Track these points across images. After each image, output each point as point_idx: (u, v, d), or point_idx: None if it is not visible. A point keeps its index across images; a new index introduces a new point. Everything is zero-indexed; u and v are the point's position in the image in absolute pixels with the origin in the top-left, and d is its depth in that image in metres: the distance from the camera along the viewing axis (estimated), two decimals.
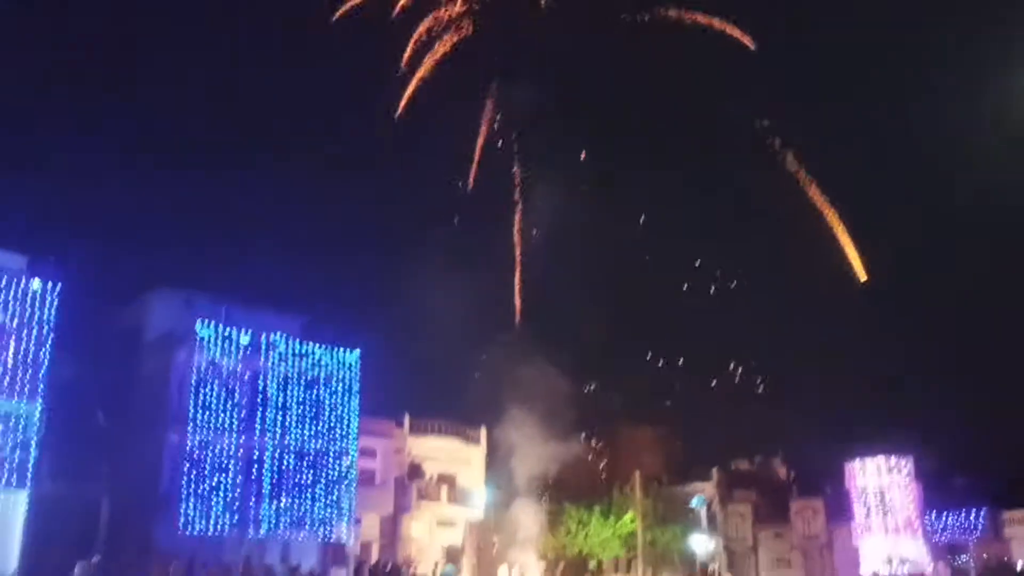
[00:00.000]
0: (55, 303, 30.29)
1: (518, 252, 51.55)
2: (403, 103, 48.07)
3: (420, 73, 47.66)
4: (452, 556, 43.48)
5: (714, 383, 57.63)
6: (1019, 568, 49.89)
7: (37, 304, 29.96)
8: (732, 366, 58.06)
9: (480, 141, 50.28)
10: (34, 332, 29.72)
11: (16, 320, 29.49)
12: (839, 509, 55.95)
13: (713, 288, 56.28)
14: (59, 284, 30.49)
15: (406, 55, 47.53)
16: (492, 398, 45.87)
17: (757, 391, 58.05)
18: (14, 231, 32.35)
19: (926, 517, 51.18)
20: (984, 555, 50.43)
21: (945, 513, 52.42)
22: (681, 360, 57.65)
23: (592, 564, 51.61)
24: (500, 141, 50.74)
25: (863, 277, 51.15)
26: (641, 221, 55.06)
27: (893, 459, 51.56)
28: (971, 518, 53.18)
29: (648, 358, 55.09)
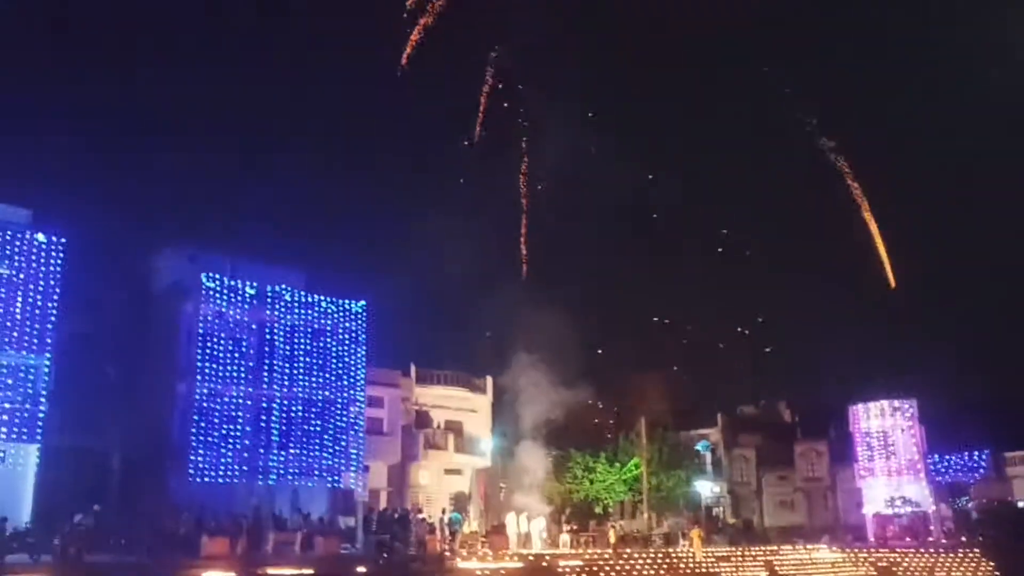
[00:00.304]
0: (61, 257, 30.40)
1: (524, 204, 51.45)
2: (407, 53, 47.47)
3: (424, 20, 46.99)
4: (459, 503, 44.06)
5: (721, 331, 58.03)
6: (1020, 507, 50.51)
7: (43, 258, 30.08)
8: (738, 313, 58.37)
9: (485, 93, 49.75)
10: (41, 286, 29.88)
11: (23, 274, 29.64)
12: (842, 452, 56.48)
13: (720, 248, 56.44)
14: (64, 239, 30.60)
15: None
16: (498, 347, 46.20)
17: (760, 337, 58.40)
18: (19, 186, 32.41)
19: (929, 459, 51.56)
20: (985, 497, 50.88)
21: (948, 455, 52.83)
22: (687, 309, 58.00)
23: (598, 509, 52.27)
24: (505, 101, 50.23)
25: (892, 283, 51.62)
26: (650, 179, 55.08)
27: (897, 402, 51.81)
28: (974, 459, 53.57)
29: (653, 308, 55.33)
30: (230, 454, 33.79)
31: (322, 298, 37.42)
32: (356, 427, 37.37)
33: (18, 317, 29.30)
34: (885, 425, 51.80)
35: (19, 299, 29.44)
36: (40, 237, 30.19)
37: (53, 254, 30.27)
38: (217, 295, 34.58)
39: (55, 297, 30.09)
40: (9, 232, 29.72)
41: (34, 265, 29.91)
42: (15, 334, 29.14)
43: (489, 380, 47.88)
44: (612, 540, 38.81)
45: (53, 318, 29.92)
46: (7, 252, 29.50)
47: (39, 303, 29.75)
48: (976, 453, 52.86)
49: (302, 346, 36.45)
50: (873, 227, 53.90)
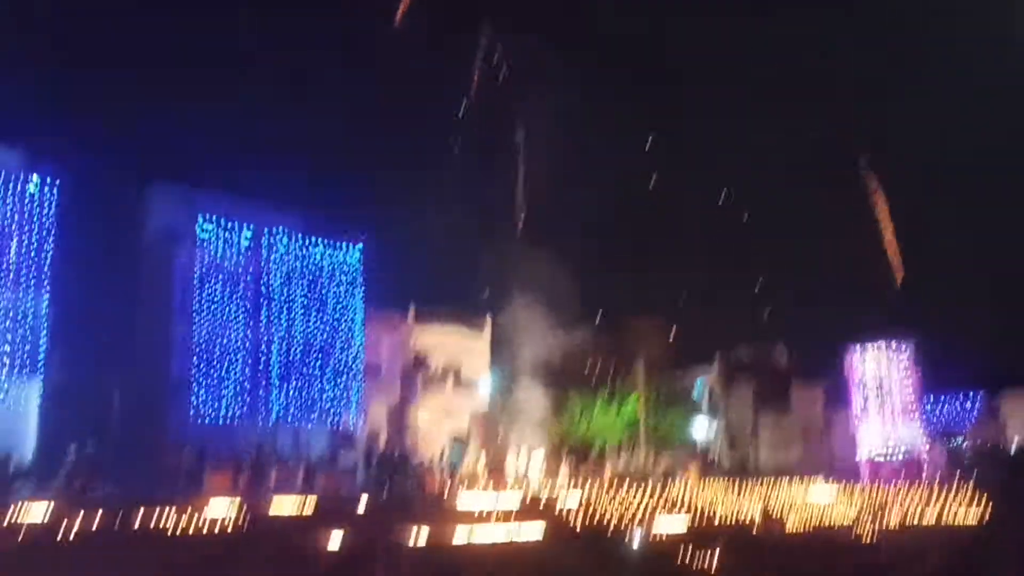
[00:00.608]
0: (56, 198, 30.30)
1: (521, 157, 51.05)
2: (401, 9, 46.38)
3: None
4: (458, 443, 44.47)
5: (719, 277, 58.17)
6: (1012, 451, 51.08)
7: (38, 199, 29.98)
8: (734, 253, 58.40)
9: (481, 52, 48.84)
10: (35, 226, 29.83)
11: (17, 215, 29.58)
12: (838, 395, 56.92)
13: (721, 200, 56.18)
14: (58, 179, 30.47)
15: None
16: (497, 289, 46.21)
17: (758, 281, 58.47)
18: (12, 127, 32.10)
19: (924, 401, 51.96)
20: (977, 439, 51.43)
21: (943, 397, 53.30)
22: (686, 256, 58.00)
23: (595, 448, 52.77)
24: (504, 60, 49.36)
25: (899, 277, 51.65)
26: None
27: (894, 345, 52.05)
28: (968, 402, 54.06)
29: (652, 254, 55.34)
30: (230, 394, 34.06)
31: (319, 240, 37.36)
32: (355, 368, 37.61)
33: (13, 257, 29.33)
34: (881, 368, 52.09)
35: (14, 239, 29.44)
36: (35, 178, 30.08)
37: (48, 194, 30.17)
38: (213, 238, 34.52)
39: (50, 238, 30.08)
40: (3, 172, 29.59)
41: (29, 206, 29.85)
42: (12, 274, 29.21)
43: (488, 321, 48.04)
44: (608, 479, 39.29)
45: (49, 258, 29.93)
46: (1, 193, 29.41)
47: (35, 243, 29.76)
48: (970, 394, 53.32)
49: (299, 289, 36.54)
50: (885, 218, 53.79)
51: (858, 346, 52.87)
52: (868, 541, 36.61)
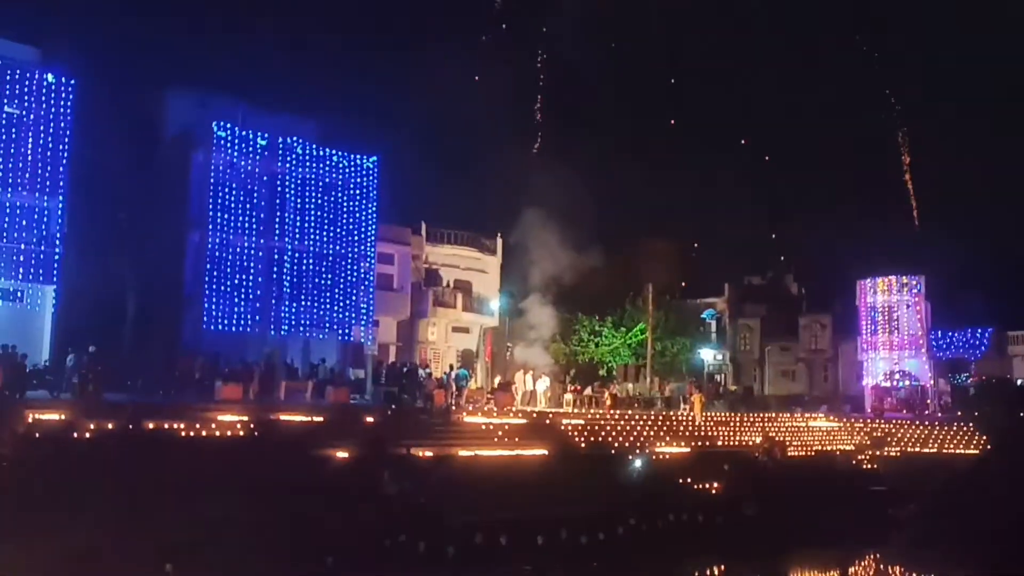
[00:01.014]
0: (71, 98, 29.96)
1: (540, 77, 50.24)
2: None
3: None
4: (466, 360, 44.94)
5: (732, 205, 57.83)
6: (1019, 383, 51.26)
7: (52, 98, 29.66)
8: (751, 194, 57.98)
9: None
10: (51, 127, 29.57)
11: (32, 114, 29.29)
12: (846, 325, 57.03)
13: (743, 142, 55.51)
14: (73, 79, 30.09)
15: None
16: (509, 206, 46.03)
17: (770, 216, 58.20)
18: (27, 24, 31.67)
19: (932, 335, 51.96)
20: (984, 374, 51.51)
21: (951, 332, 53.17)
22: (701, 188, 57.60)
23: (602, 371, 53.25)
24: None
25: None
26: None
27: (905, 278, 51.85)
28: (976, 337, 53.96)
29: (666, 182, 54.89)
30: (243, 304, 34.21)
31: (334, 152, 37.05)
32: (366, 282, 37.69)
33: (29, 158, 29.13)
34: (891, 300, 51.97)
35: (30, 140, 29.19)
36: (49, 77, 29.67)
37: (63, 94, 29.82)
38: (228, 144, 34.24)
39: (66, 139, 29.81)
40: (18, 71, 29.20)
41: (44, 105, 29.51)
42: (27, 175, 29.04)
43: (499, 240, 47.99)
44: (608, 402, 39.74)
45: (64, 160, 29.73)
46: (16, 91, 29.05)
47: (50, 144, 29.51)
48: (979, 331, 53.18)
49: (313, 199, 36.33)
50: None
51: (869, 278, 52.66)
52: (868, 467, 37.20)
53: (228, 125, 34.35)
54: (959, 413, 45.07)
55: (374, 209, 38.00)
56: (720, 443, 35.69)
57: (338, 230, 36.90)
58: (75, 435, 21.03)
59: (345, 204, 37.19)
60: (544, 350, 46.91)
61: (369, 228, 37.81)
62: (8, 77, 28.93)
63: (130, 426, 22.03)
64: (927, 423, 42.55)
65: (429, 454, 26.09)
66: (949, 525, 28.38)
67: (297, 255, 35.73)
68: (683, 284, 58.25)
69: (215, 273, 33.68)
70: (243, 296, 34.22)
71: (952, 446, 39.03)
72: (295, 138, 35.99)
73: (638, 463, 29.20)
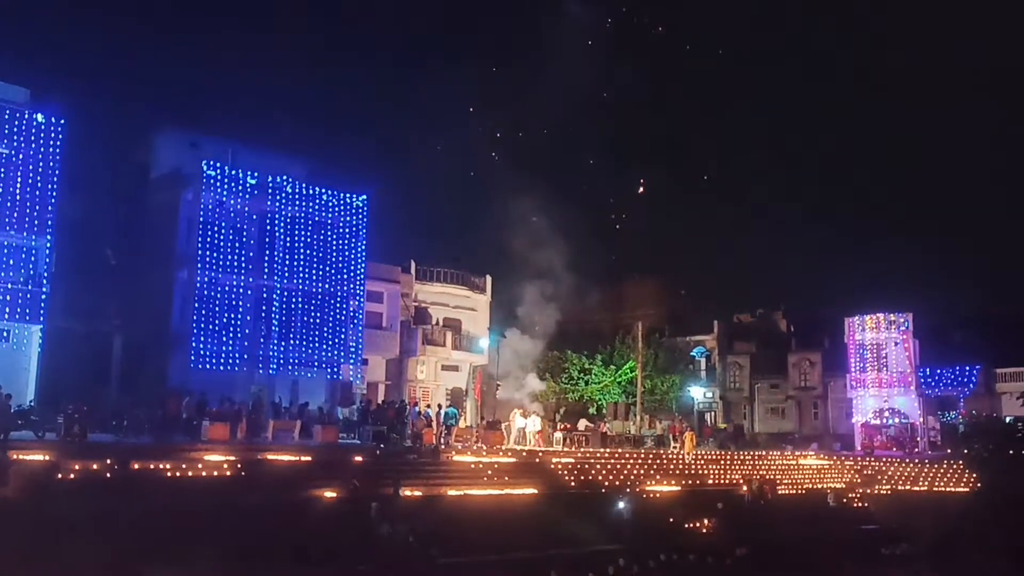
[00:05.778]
0: (60, 138, 30.03)
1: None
2: None
3: None
4: (456, 398, 44.75)
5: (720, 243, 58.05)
6: (1007, 422, 51.20)
7: (42, 138, 29.72)
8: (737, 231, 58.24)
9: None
10: (40, 166, 29.59)
11: (22, 154, 29.33)
12: (835, 363, 57.06)
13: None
14: (63, 120, 30.17)
15: None
16: (499, 247, 46.18)
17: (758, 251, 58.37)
18: (18, 65, 31.82)
19: (920, 372, 52.05)
20: (973, 410, 51.48)
21: (940, 369, 53.25)
22: (688, 222, 57.94)
23: (592, 410, 53.07)
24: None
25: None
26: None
27: (893, 315, 52.04)
28: (965, 374, 54.04)
29: (654, 220, 55.27)
30: (231, 342, 34.07)
31: (323, 190, 37.17)
32: (355, 320, 37.64)
33: (18, 198, 29.12)
34: (879, 337, 52.12)
35: (19, 179, 29.20)
36: (39, 117, 29.75)
37: (52, 135, 29.88)
38: (218, 183, 34.30)
39: (55, 179, 29.82)
40: (8, 111, 29.27)
41: (33, 145, 29.55)
42: (15, 215, 29.01)
43: (488, 280, 48.04)
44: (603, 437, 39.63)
45: (53, 200, 29.72)
46: (5, 131, 29.11)
47: (39, 184, 29.51)
48: (967, 368, 53.27)
49: (303, 238, 36.37)
50: None
51: (857, 315, 52.84)
52: (859, 505, 37.04)
53: (218, 164, 34.44)
54: (948, 451, 45.02)
55: (363, 247, 38.05)
56: (711, 481, 35.53)
57: (327, 268, 36.91)
58: (59, 476, 20.78)
59: (335, 242, 37.24)
60: (534, 388, 46.88)
61: (358, 266, 37.83)
62: None
63: (115, 467, 21.79)
64: (917, 461, 42.47)
65: (418, 493, 25.89)
66: (941, 564, 28.22)
67: (286, 293, 35.68)
68: (672, 322, 58.35)
69: (203, 312, 33.57)
70: (231, 335, 34.08)
71: (943, 484, 38.94)
72: (285, 176, 36.10)
73: (621, 504, 28.93)
